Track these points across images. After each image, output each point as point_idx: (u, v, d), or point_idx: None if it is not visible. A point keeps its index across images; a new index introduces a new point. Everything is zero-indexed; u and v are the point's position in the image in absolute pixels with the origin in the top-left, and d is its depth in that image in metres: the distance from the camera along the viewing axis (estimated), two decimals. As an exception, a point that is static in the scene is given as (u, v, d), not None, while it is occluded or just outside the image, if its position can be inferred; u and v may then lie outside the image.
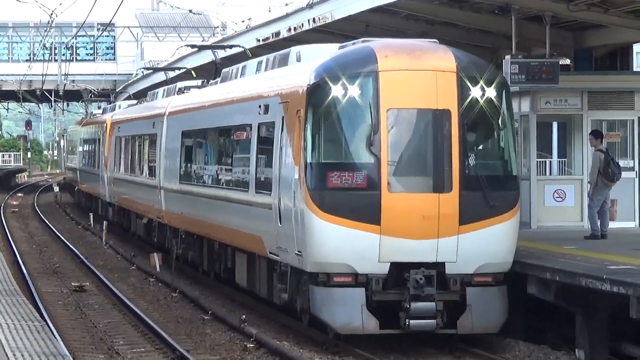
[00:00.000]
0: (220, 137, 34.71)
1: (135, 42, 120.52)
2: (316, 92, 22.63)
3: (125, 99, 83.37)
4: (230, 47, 52.66)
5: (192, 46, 67.43)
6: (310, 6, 46.88)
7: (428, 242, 22.00)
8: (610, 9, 37.81)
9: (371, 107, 22.03)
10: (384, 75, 21.99)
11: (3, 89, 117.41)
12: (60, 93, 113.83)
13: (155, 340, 29.13)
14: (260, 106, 27.88)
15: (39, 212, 78.75)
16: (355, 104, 22.48)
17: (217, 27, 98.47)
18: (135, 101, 64.10)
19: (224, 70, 39.16)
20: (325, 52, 27.46)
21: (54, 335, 24.83)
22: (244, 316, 31.28)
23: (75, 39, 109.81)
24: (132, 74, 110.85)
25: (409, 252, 21.88)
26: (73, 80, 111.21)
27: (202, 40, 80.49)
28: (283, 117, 25.03)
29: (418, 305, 21.20)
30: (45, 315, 29.63)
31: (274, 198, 25.54)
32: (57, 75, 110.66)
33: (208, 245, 36.79)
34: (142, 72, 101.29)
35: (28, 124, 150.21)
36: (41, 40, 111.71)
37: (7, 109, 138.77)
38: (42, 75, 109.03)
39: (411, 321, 20.88)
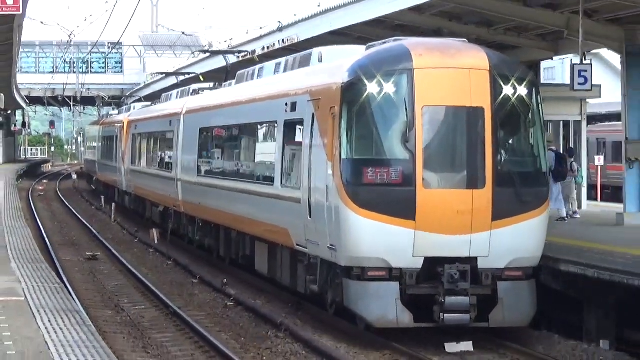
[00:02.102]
0: (242, 134, 31.43)
1: (139, 57, 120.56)
2: (351, 89, 20.00)
3: (135, 102, 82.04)
4: (240, 52, 50.05)
5: (205, 51, 64.14)
6: (280, 29, 46.77)
7: (461, 237, 19.38)
8: (523, 33, 37.81)
9: (406, 104, 19.49)
10: (419, 72, 19.46)
11: (32, 95, 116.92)
12: (78, 99, 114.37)
13: (153, 299, 29.28)
14: (286, 104, 24.93)
15: (60, 195, 78.32)
16: (390, 101, 19.78)
17: (205, 46, 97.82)
18: (149, 103, 62.41)
19: (239, 72, 35.66)
20: (347, 52, 24.97)
21: (71, 295, 24.89)
22: (225, 280, 31.43)
23: (90, 55, 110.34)
24: (137, 84, 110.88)
25: (442, 247, 19.36)
26: (88, 89, 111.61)
27: (193, 57, 78.77)
28: (313, 114, 22.18)
29: (453, 300, 18.92)
30: (64, 279, 29.69)
31: (303, 192, 22.59)
32: (75, 84, 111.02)
33: (225, 233, 33.46)
34: (152, 77, 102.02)
35: (52, 124, 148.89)
36: (62, 56, 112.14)
37: (35, 112, 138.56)
38: (63, 84, 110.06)
39: (446, 315, 18.75)
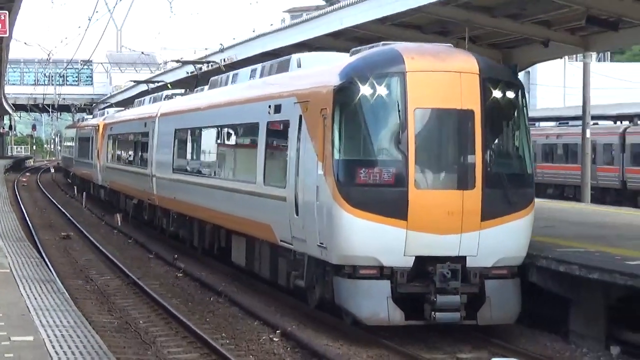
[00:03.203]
0: (221, 134, 27.96)
1: (106, 72, 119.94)
2: (344, 91, 17.40)
3: (106, 107, 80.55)
4: (209, 62, 46.20)
5: (177, 61, 58.95)
6: (222, 50, 46.62)
7: (451, 237, 16.90)
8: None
9: (399, 107, 16.97)
10: (411, 75, 16.95)
11: (17, 103, 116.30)
12: (55, 106, 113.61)
13: (117, 271, 29.13)
14: (270, 106, 21.78)
15: (40, 186, 77.71)
16: (382, 103, 17.22)
17: (161, 63, 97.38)
18: (122, 108, 60.47)
19: (213, 78, 32.36)
20: (325, 58, 22.61)
21: (49, 268, 24.78)
22: (175, 255, 31.39)
23: (65, 70, 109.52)
24: (104, 94, 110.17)
25: (433, 246, 16.87)
26: (64, 98, 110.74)
27: (150, 73, 77.80)
28: (300, 115, 19.42)
29: (444, 299, 16.59)
30: (43, 254, 29.49)
31: (289, 191, 19.76)
32: (53, 94, 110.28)
33: (199, 225, 30.11)
34: (116, 89, 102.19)
35: (34, 127, 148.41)
36: (42, 71, 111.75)
37: (20, 117, 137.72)
38: (43, 94, 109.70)
39: (437, 314, 16.44)
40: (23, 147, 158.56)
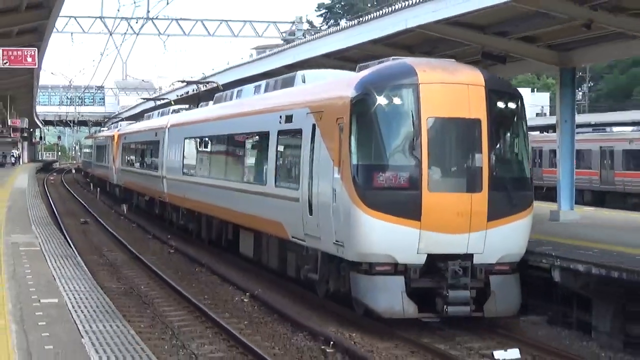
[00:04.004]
0: (231, 141, 25.06)
1: (115, 95, 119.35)
2: (360, 102, 15.29)
3: (115, 122, 78.81)
4: (208, 82, 43.64)
5: (182, 81, 54.62)
6: (204, 78, 46.16)
7: (461, 236, 15.00)
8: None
9: (413, 116, 14.99)
10: (424, 87, 15.02)
11: (46, 119, 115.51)
12: (75, 122, 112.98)
13: (123, 248, 28.96)
14: (281, 117, 19.48)
15: (64, 183, 77.02)
16: (397, 112, 15.31)
17: (156, 89, 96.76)
18: (133, 121, 58.45)
19: (217, 94, 29.92)
20: (326, 75, 20.76)
21: (70, 246, 24.60)
22: (169, 236, 31.28)
23: (83, 93, 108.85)
24: (113, 112, 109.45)
25: (443, 244, 14.98)
26: (82, 115, 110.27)
27: (149, 95, 76.78)
28: (314, 124, 17.20)
29: (455, 293, 14.75)
30: (66, 235, 29.26)
31: (302, 193, 17.50)
32: (73, 112, 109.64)
33: (206, 220, 27.66)
34: (122, 108, 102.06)
35: (59, 137, 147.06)
36: (65, 94, 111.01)
37: (48, 130, 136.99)
38: (66, 112, 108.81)
39: (449, 307, 14.65)
40: (51, 153, 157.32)
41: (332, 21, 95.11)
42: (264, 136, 20.42)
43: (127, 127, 50.69)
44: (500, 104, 15.61)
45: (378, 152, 15.30)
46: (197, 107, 34.54)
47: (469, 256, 15.01)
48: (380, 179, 14.90)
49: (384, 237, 14.69)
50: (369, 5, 75.42)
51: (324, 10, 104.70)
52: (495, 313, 15.17)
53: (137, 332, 12.92)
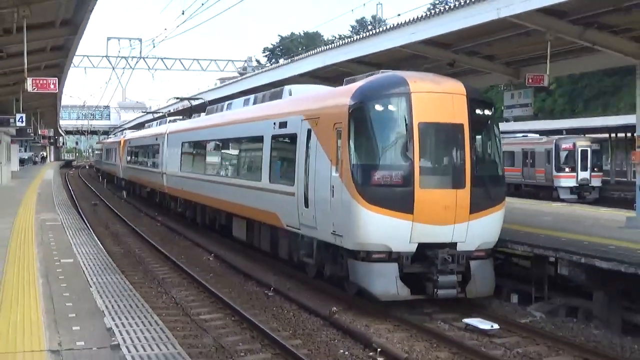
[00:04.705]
0: (224, 144, 22.11)
1: (117, 113, 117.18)
2: (359, 109, 13.04)
3: (118, 131, 76.41)
4: (197, 98, 39.68)
5: (176, 97, 50.33)
6: (191, 98, 44.04)
7: (447, 227, 12.83)
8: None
9: (406, 121, 12.82)
10: (415, 95, 12.88)
11: (66, 130, 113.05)
12: (88, 131, 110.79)
13: (123, 222, 28.58)
14: (275, 123, 16.88)
15: (80, 176, 75.61)
16: (391, 118, 13.09)
17: (148, 107, 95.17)
18: (134, 130, 54.85)
19: (209, 107, 26.81)
20: (308, 88, 18.55)
21: (84, 221, 24.19)
22: (156, 213, 30.88)
23: (94, 111, 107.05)
24: (116, 124, 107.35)
25: (432, 234, 12.81)
26: (93, 127, 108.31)
27: (145, 113, 74.61)
28: (309, 129, 14.71)
29: (444, 278, 12.66)
30: (81, 213, 28.78)
31: (297, 188, 15.01)
32: (87, 125, 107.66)
33: (201, 208, 24.51)
34: (123, 120, 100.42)
35: (77, 142, 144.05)
36: (80, 111, 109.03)
37: (68, 137, 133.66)
38: (81, 125, 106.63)
39: (439, 290, 12.62)
40: (70, 154, 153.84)
41: (273, 60, 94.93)
42: (259, 139, 17.87)
43: (130, 134, 48.91)
44: (478, 111, 13.43)
45: (375, 153, 12.92)
46: (190, 118, 31.99)
47: (454, 245, 12.91)
48: (377, 177, 12.65)
49: (381, 228, 12.53)
50: (299, 49, 75.13)
51: (268, 52, 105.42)
52: (475, 294, 13.04)
53: (132, 283, 12.86)
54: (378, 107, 12.92)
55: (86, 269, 12.61)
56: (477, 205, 12.89)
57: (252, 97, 21.11)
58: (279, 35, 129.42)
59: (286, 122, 16.19)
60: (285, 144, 16.53)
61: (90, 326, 8.62)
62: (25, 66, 17.87)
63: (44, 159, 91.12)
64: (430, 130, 12.78)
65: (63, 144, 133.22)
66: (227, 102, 24.06)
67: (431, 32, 17.97)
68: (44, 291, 10.40)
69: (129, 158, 43.56)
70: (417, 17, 18.49)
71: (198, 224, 25.25)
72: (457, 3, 16.91)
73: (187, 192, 26.02)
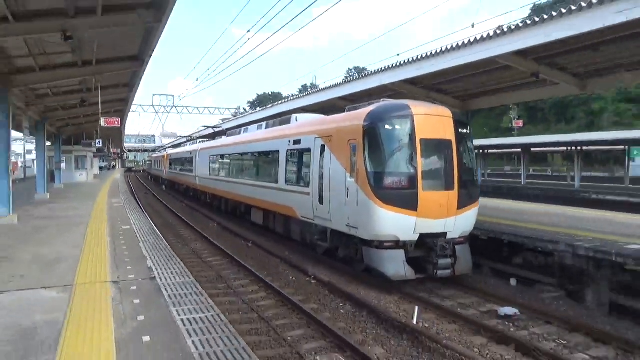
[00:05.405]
0: (244, 156, 18.50)
1: (160, 139, 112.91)
2: (372, 128, 10.63)
3: (161, 150, 73.51)
4: (218, 127, 35.51)
5: (204, 126, 43.82)
6: (214, 127, 42.77)
7: (441, 221, 10.49)
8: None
9: (410, 137, 10.50)
10: (417, 117, 10.56)
11: (129, 149, 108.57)
12: (141, 150, 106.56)
13: (162, 205, 27.47)
14: (289, 140, 13.92)
15: (137, 177, 73.16)
16: (399, 135, 10.62)
17: (178, 136, 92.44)
18: (176, 147, 49.78)
19: (229, 131, 23.20)
20: (308, 116, 15.08)
21: (138, 204, 23.36)
22: (182, 200, 29.99)
23: (144, 138, 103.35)
24: (160, 145, 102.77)
25: (430, 227, 10.41)
26: (144, 147, 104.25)
27: (180, 137, 71.91)
28: (323, 145, 11.97)
29: (443, 261, 10.36)
30: (137, 198, 27.70)
31: (311, 189, 12.21)
32: (140, 146, 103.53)
33: (225, 200, 21.16)
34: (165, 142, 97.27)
35: (135, 156, 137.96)
36: (137, 137, 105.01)
37: (129, 153, 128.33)
38: (138, 146, 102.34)
39: (438, 271, 10.31)
40: (132, 164, 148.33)
41: (254, 107, 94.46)
42: (275, 152, 14.92)
43: (171, 151, 45.54)
44: (461, 130, 10.98)
45: (386, 163, 10.41)
46: (214, 139, 28.37)
47: (444, 234, 10.57)
48: (389, 182, 10.33)
49: (392, 222, 10.21)
50: (269, 102, 74.51)
51: (249, 104, 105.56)
52: (460, 272, 10.52)
53: (166, 240, 12.51)
54: (387, 127, 10.60)
55: (137, 232, 12.24)
56: (462, 203, 10.70)
57: (264, 123, 18.08)
58: (257, 93, 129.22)
59: (300, 140, 13.51)
60: (299, 156, 13.66)
61: (137, 266, 8.42)
62: (100, 111, 17.71)
63: (113, 167, 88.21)
64: (428, 145, 10.64)
65: (127, 157, 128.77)
66: (243, 128, 20.87)
67: (346, 90, 17.01)
68: (110, 247, 10.05)
69: (170, 166, 41.14)
70: (339, 83, 17.88)
71: (223, 211, 21.78)
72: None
73: (214, 189, 22.60)
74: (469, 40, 11.01)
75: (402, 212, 10.33)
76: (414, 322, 8.05)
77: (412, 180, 10.38)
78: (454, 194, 10.66)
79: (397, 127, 10.69)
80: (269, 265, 11.81)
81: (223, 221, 19.56)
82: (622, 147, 28.07)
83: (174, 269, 8.39)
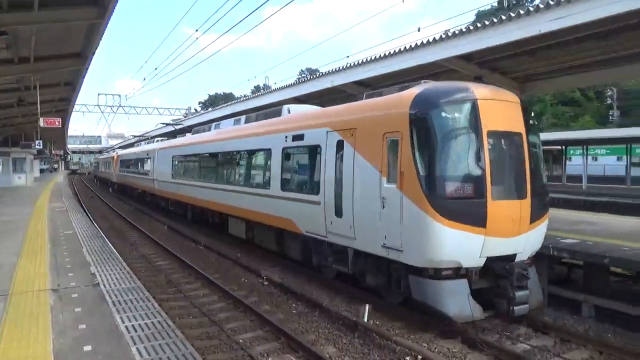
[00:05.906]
0: (219, 156, 14.74)
1: (106, 140, 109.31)
2: (423, 117, 7.19)
3: (108, 151, 68.39)
4: (179, 124, 31.94)
5: (162, 123, 40.03)
6: (175, 124, 41.46)
7: (512, 239, 7.31)
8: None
9: (474, 129, 7.14)
10: (482, 102, 7.27)
11: (72, 151, 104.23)
12: (86, 151, 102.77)
13: (109, 208, 26.61)
14: (286, 136, 10.62)
15: (82, 179, 69.96)
16: (460, 126, 7.19)
17: (129, 136, 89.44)
18: (127, 148, 46.50)
19: (195, 128, 19.22)
20: (302, 108, 11.95)
21: (83, 208, 22.46)
22: (130, 203, 29.09)
23: (89, 139, 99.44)
24: (105, 147, 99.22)
25: (499, 247, 7.24)
26: (89, 148, 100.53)
27: (122, 140, 69.73)
28: (340, 140, 8.77)
29: (521, 294, 7.22)
30: (82, 203, 26.59)
31: (323, 197, 9.04)
32: (85, 147, 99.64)
33: (191, 207, 17.82)
34: (114, 140, 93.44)
35: (79, 158, 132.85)
36: (82, 139, 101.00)
37: (74, 155, 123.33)
38: (82, 147, 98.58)
39: (516, 308, 7.14)
40: (76, 165, 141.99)
41: (209, 108, 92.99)
42: (265, 151, 11.61)
43: (121, 152, 42.20)
44: (530, 119, 7.97)
45: (446, 164, 7.27)
46: (176, 137, 24.30)
47: (513, 256, 7.61)
48: (451, 189, 7.21)
49: (454, 243, 7.17)
50: (220, 102, 73.27)
51: (201, 104, 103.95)
52: (532, 305, 7.65)
53: (112, 244, 12.01)
54: (445, 115, 7.39)
55: (80, 237, 11.71)
56: (535, 216, 7.77)
57: (242, 117, 14.39)
58: (208, 94, 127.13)
59: (302, 135, 10.19)
60: (302, 155, 10.42)
61: (80, 273, 8.05)
62: (39, 110, 16.93)
63: (55, 169, 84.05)
64: (496, 139, 7.58)
65: (70, 159, 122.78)
66: (214, 123, 17.07)
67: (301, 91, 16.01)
68: (50, 252, 9.61)
69: (120, 168, 38.40)
70: (289, 84, 17.21)
71: (188, 219, 18.42)
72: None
73: (175, 194, 19.22)
74: (416, 44, 10.96)
75: (466, 230, 7.26)
76: (365, 320, 7.49)
77: (480, 187, 7.33)
78: (526, 204, 7.67)
79: (457, 115, 7.49)
80: (221, 268, 11.70)
81: (174, 224, 19.07)
82: (560, 147, 28.23)
83: (120, 275, 8.07)
